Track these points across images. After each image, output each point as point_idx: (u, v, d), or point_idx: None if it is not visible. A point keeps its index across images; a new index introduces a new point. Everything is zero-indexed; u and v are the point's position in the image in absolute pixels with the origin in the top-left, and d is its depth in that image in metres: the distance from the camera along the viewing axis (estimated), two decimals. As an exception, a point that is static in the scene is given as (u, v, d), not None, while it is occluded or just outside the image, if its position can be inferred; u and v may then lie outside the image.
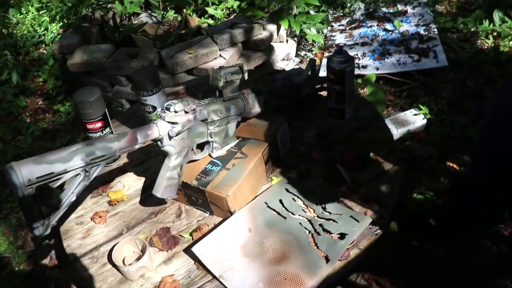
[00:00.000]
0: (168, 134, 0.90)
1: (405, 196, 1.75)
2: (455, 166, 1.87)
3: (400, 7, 2.99)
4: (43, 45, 3.13)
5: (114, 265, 0.95)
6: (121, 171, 1.20)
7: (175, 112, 0.91)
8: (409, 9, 2.96)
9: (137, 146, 0.88)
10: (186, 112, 0.93)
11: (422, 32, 2.67)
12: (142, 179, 1.16)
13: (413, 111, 2.08)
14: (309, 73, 1.25)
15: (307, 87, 1.24)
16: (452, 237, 1.55)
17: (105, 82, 2.37)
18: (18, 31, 3.23)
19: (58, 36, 2.99)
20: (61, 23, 3.09)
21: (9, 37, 3.20)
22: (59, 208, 0.82)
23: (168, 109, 0.91)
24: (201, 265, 0.91)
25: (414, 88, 2.30)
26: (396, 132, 1.99)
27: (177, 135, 0.92)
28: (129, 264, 0.92)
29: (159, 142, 0.92)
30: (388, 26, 2.80)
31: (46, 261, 1.85)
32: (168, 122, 0.90)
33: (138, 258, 0.93)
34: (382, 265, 1.51)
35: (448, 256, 1.51)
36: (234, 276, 0.88)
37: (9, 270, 1.85)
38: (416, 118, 2.04)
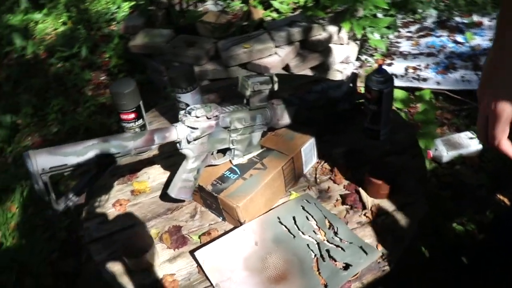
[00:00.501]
0: (187, 138, 0.91)
1: (444, 224, 1.66)
2: (506, 200, 1.75)
3: (475, 17, 2.81)
4: (114, 23, 3.25)
5: (123, 255, 0.98)
6: (150, 162, 1.23)
7: (196, 117, 0.91)
8: (485, 21, 2.78)
9: (154, 147, 0.90)
10: (208, 118, 0.93)
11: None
12: (167, 173, 1.18)
13: (469, 134, 1.96)
14: (351, 84, 1.21)
15: (345, 102, 1.20)
16: (485, 277, 1.46)
17: (162, 66, 2.43)
18: (94, 7, 3.38)
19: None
20: (132, 3, 3.19)
21: (85, 12, 3.35)
22: (69, 197, 0.85)
23: (189, 113, 0.91)
24: (202, 270, 0.92)
25: (474, 109, 2.16)
26: (446, 154, 1.89)
27: (195, 140, 0.92)
28: (136, 257, 0.95)
29: (177, 144, 0.93)
30: (459, 38, 2.65)
31: (83, 231, 1.95)
32: (188, 126, 0.91)
33: (145, 252, 0.96)
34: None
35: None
36: (231, 287, 0.88)
37: (51, 233, 1.97)
38: (470, 142, 1.93)
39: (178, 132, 0.90)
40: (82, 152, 0.81)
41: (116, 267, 0.98)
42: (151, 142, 0.88)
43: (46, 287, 1.75)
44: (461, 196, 1.77)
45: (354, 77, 1.21)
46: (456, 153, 1.90)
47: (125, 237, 0.99)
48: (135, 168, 1.22)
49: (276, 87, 1.01)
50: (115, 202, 1.13)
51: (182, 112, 0.93)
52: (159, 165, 1.22)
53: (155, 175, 1.19)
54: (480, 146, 1.92)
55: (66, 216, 1.97)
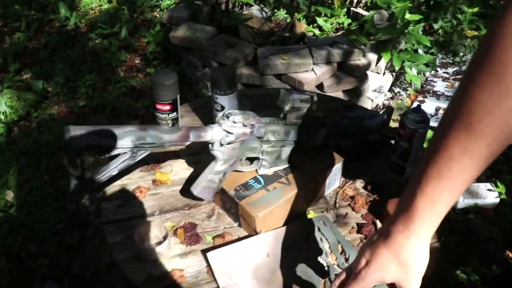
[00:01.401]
0: (220, 141, 0.93)
1: (448, 270, 1.66)
2: (514, 258, 1.74)
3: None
4: (158, 9, 3.30)
5: (135, 242, 1.00)
6: (175, 155, 1.25)
7: (234, 122, 0.93)
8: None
9: (187, 143, 0.92)
10: (244, 125, 0.94)
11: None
12: (191, 170, 1.20)
13: (488, 185, 1.95)
14: (384, 118, 1.22)
15: (377, 133, 1.21)
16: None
17: (198, 61, 2.46)
18: (141, -9, 3.44)
19: (173, 5, 3.15)
20: (179, -6, 3.24)
21: (131, -6, 3.42)
22: (99, 177, 0.87)
23: (227, 117, 0.93)
24: (211, 271, 0.94)
25: (498, 162, 2.15)
26: (462, 201, 1.88)
27: (228, 144, 0.94)
28: (148, 246, 0.96)
29: (210, 145, 0.95)
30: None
31: (92, 208, 1.98)
32: (224, 130, 0.93)
33: (158, 243, 0.97)
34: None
35: None
36: (237, 294, 0.90)
37: (61, 203, 2.01)
38: (489, 194, 1.92)
39: (213, 134, 0.92)
40: (119, 136, 0.83)
41: (127, 252, 1.00)
42: (186, 139, 0.90)
43: (49, 255, 1.78)
44: (470, 245, 1.76)
45: (389, 111, 1.22)
46: (472, 202, 1.89)
47: (141, 224, 1.00)
48: (159, 158, 1.24)
49: (314, 107, 1.02)
50: (135, 188, 1.15)
51: (220, 114, 0.95)
52: (183, 160, 1.23)
53: (179, 169, 1.21)
54: (497, 200, 1.91)
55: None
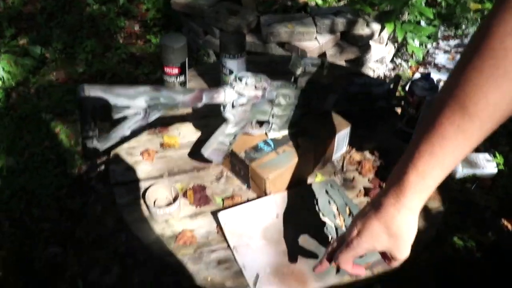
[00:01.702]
0: (233, 103, 0.93)
1: (446, 237, 1.69)
2: (509, 226, 1.77)
3: None
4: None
5: (145, 203, 1.01)
6: (182, 119, 1.25)
7: (246, 84, 0.93)
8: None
9: (200, 105, 0.92)
10: (256, 88, 0.95)
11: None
12: (198, 133, 1.21)
13: (487, 156, 1.98)
14: (391, 86, 1.22)
15: (384, 100, 1.21)
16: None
17: (200, 28, 2.43)
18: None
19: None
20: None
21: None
22: (111, 137, 0.87)
23: (240, 79, 0.93)
24: (221, 231, 0.95)
25: (498, 133, 2.17)
26: (461, 171, 1.90)
27: (240, 106, 0.94)
28: (158, 207, 0.97)
29: (221, 107, 0.95)
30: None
31: (94, 174, 1.99)
32: (236, 92, 0.93)
33: (168, 204, 0.98)
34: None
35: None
36: (247, 253, 0.91)
37: (62, 169, 2.01)
38: (487, 164, 1.94)
39: (226, 95, 0.92)
40: (133, 96, 0.83)
41: (137, 213, 1.01)
42: (198, 100, 0.90)
43: (51, 220, 1.80)
44: (467, 214, 1.80)
45: (397, 79, 1.23)
46: (471, 171, 1.92)
47: (151, 186, 1.01)
48: (167, 122, 1.24)
49: (325, 72, 1.02)
50: (143, 151, 1.15)
51: (232, 77, 0.94)
52: (191, 124, 1.24)
53: (186, 132, 1.21)
54: (495, 170, 1.94)
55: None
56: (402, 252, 0.66)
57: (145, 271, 1.61)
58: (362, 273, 0.75)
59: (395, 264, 0.70)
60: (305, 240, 0.94)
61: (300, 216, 0.98)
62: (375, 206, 0.65)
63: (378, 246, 0.67)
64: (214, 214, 0.99)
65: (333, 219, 0.98)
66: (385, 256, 0.70)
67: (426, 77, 1.09)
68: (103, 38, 2.81)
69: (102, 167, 2.01)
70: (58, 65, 2.63)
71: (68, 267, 1.64)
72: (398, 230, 0.64)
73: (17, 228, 1.77)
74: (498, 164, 1.95)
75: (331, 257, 0.73)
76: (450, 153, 0.57)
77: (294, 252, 0.92)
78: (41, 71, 2.59)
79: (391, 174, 0.64)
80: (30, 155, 2.07)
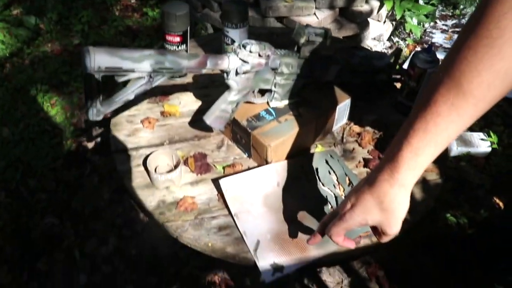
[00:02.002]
0: (236, 70, 0.93)
1: (439, 213, 1.72)
2: (501, 204, 1.80)
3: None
4: None
5: (146, 170, 1.01)
6: (183, 88, 1.25)
7: (250, 52, 0.93)
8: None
9: (204, 71, 0.91)
10: (260, 56, 0.94)
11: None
12: (199, 103, 1.21)
13: (481, 135, 2.00)
14: (391, 60, 1.22)
15: (384, 73, 1.22)
16: (467, 272, 1.53)
17: (198, 1, 2.41)
18: None
19: None
20: None
21: None
22: (115, 101, 0.87)
23: (244, 46, 0.93)
24: (222, 198, 0.96)
25: (492, 113, 2.19)
26: (455, 149, 1.93)
27: (244, 73, 0.94)
28: (160, 173, 0.98)
29: (225, 74, 0.95)
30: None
31: (91, 145, 1.98)
32: (240, 59, 0.93)
33: (170, 171, 0.99)
34: (391, 268, 1.52)
35: (456, 286, 1.49)
36: (248, 219, 0.93)
37: (58, 140, 2.00)
38: (481, 143, 1.97)
39: (230, 62, 0.92)
40: (139, 59, 0.83)
41: (138, 180, 1.01)
42: (203, 66, 0.90)
43: (48, 191, 1.80)
44: (460, 191, 1.83)
45: (398, 52, 1.23)
46: (465, 150, 1.94)
47: (152, 152, 1.01)
48: (167, 91, 1.24)
49: (328, 42, 1.02)
50: (144, 119, 1.15)
51: (236, 44, 0.94)
52: (191, 93, 1.24)
53: (187, 101, 1.21)
54: (489, 149, 1.96)
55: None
56: (393, 227, 0.68)
57: (142, 242, 1.62)
58: (352, 246, 0.77)
59: (385, 239, 0.71)
60: (305, 210, 0.95)
61: (301, 185, 0.99)
62: (369, 181, 0.67)
63: (370, 220, 0.68)
64: (215, 181, 1.00)
65: (333, 188, 0.99)
66: (376, 231, 0.72)
67: (428, 49, 1.09)
68: (99, 10, 2.77)
69: (99, 139, 2.00)
70: (53, 36, 2.59)
71: (64, 237, 1.65)
72: (390, 204, 0.65)
73: (13, 198, 1.77)
74: (492, 143, 1.97)
75: (324, 229, 0.75)
76: (444, 131, 0.58)
77: (294, 227, 0.93)
78: (35, 42, 2.56)
79: (386, 151, 0.66)
80: (26, 126, 2.06)
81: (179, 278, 1.48)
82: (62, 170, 1.89)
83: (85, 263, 1.58)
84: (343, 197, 0.98)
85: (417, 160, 0.61)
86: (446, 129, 0.58)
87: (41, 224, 1.69)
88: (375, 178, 0.66)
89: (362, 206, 0.67)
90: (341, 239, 0.73)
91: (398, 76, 1.26)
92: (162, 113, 1.17)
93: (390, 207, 0.65)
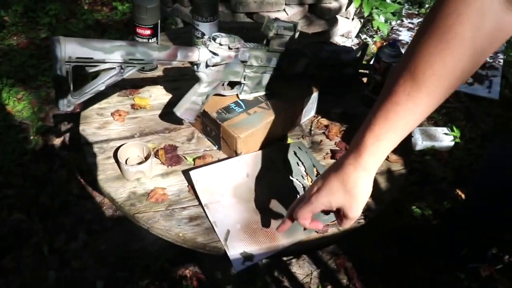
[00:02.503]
0: (206, 62, 0.94)
1: (405, 206, 1.77)
2: (463, 196, 1.87)
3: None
4: None
5: (117, 162, 1.02)
6: (153, 81, 1.26)
7: (220, 44, 0.94)
8: (484, 30, 2.87)
9: (174, 63, 0.92)
10: (229, 48, 0.96)
11: (487, 58, 2.59)
12: (169, 96, 1.21)
13: (445, 129, 2.07)
14: (358, 55, 1.26)
15: (352, 68, 1.25)
16: (430, 261, 1.58)
17: (169, -3, 2.40)
18: None
19: None
20: None
21: None
22: (86, 92, 0.87)
23: (214, 39, 0.94)
24: (193, 189, 0.97)
25: (455, 109, 2.27)
26: (420, 143, 1.99)
27: (214, 66, 0.96)
28: (131, 165, 0.98)
29: (195, 66, 0.96)
30: (456, 41, 2.73)
31: (58, 141, 1.95)
32: (210, 51, 0.94)
33: (140, 163, 0.99)
34: (359, 259, 1.56)
35: (421, 276, 1.54)
36: (218, 209, 0.94)
37: (25, 135, 1.96)
38: (445, 137, 2.03)
39: (200, 54, 0.93)
40: (109, 50, 0.83)
41: (108, 172, 1.02)
42: (173, 57, 0.91)
43: (15, 186, 1.76)
44: (425, 184, 1.89)
45: (364, 47, 1.26)
46: (430, 144, 2.00)
47: (123, 145, 1.02)
48: (138, 84, 1.24)
49: (297, 35, 1.04)
50: (114, 111, 1.15)
51: (206, 37, 0.95)
52: (162, 87, 1.24)
53: (157, 94, 1.22)
54: (452, 143, 2.03)
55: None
56: (354, 210, 0.72)
57: (112, 237, 1.61)
58: (320, 227, 0.81)
59: (346, 224, 0.75)
60: (274, 200, 0.97)
61: (270, 175, 1.02)
62: (335, 166, 0.72)
63: (334, 202, 0.72)
64: (185, 173, 1.01)
65: (301, 179, 1.02)
66: (338, 215, 0.76)
67: (392, 44, 1.13)
68: (67, 3, 2.73)
69: (67, 134, 1.97)
70: (19, 29, 2.53)
71: (33, 233, 1.62)
72: (353, 188, 0.70)
73: (-22, 194, 1.73)
74: (455, 138, 2.04)
75: (292, 214, 0.79)
76: (402, 118, 0.64)
77: (266, 216, 0.95)
78: (0, 35, 2.49)
79: (352, 140, 0.71)
80: (-10, 122, 2.01)
81: (150, 273, 1.49)
82: (29, 165, 1.86)
83: (54, 259, 1.56)
84: (311, 187, 1.01)
85: (379, 145, 0.66)
86: (404, 117, 0.64)
87: (8, 220, 1.66)
88: (340, 163, 0.71)
89: (327, 189, 0.71)
90: (308, 222, 0.77)
91: (365, 71, 1.30)
92: (133, 106, 1.17)
93: (353, 190, 0.69)
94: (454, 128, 2.06)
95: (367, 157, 0.67)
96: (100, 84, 0.87)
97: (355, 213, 0.72)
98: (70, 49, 0.79)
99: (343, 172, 0.70)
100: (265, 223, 0.94)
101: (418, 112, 0.64)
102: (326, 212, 0.95)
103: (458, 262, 1.55)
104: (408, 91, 0.62)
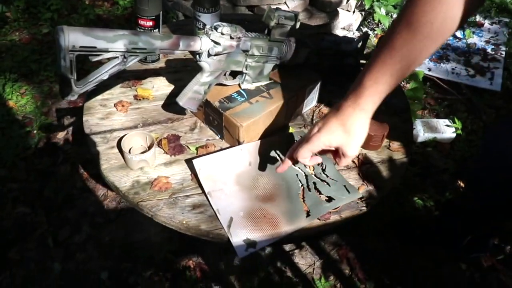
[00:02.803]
0: (208, 51, 0.95)
1: (406, 197, 1.78)
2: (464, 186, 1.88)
3: (478, 18, 2.90)
4: None
5: (120, 151, 1.03)
6: (155, 73, 1.26)
7: (222, 34, 0.95)
8: (486, 23, 2.87)
9: (177, 52, 0.93)
10: (231, 38, 0.97)
11: (489, 50, 2.60)
12: (172, 87, 1.22)
13: (446, 121, 2.07)
14: (359, 45, 1.26)
15: (352, 58, 1.26)
16: (432, 251, 1.59)
17: (170, -9, 2.41)
18: None
19: None
20: None
21: None
22: (90, 81, 0.88)
23: (216, 28, 0.95)
24: (196, 178, 0.98)
25: (457, 101, 2.28)
26: (422, 135, 1.99)
27: (216, 55, 0.96)
28: (134, 154, 0.99)
29: (197, 56, 0.97)
30: (458, 33, 2.73)
31: (62, 135, 1.97)
32: (212, 40, 0.95)
33: (143, 152, 1.00)
34: (361, 250, 1.57)
35: (423, 266, 1.55)
36: (221, 197, 0.95)
37: (28, 130, 1.98)
38: (446, 129, 2.04)
39: (202, 43, 0.93)
40: (112, 39, 0.84)
41: (112, 161, 1.02)
42: (175, 47, 0.91)
43: (19, 180, 1.78)
44: (427, 176, 1.89)
45: (365, 37, 1.27)
46: (432, 136, 2.01)
47: (126, 134, 1.03)
48: (140, 75, 1.25)
49: (298, 25, 1.05)
50: (117, 102, 1.16)
51: (208, 26, 0.96)
52: (164, 78, 1.25)
53: (160, 85, 1.23)
54: (453, 135, 2.03)
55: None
56: (352, 149, 0.78)
57: (116, 229, 1.63)
58: (319, 160, 0.87)
59: (343, 162, 0.81)
60: (276, 188, 0.98)
61: (272, 164, 1.02)
62: (335, 108, 0.78)
63: (334, 141, 0.78)
64: (189, 162, 1.02)
65: (303, 167, 1.03)
66: (336, 155, 0.82)
67: (393, 34, 1.14)
68: (69, -1, 2.74)
69: (71, 127, 1.98)
70: (21, 25, 2.54)
71: (37, 226, 1.64)
72: (352, 127, 0.76)
73: (-18, 188, 1.74)
74: (456, 129, 2.05)
75: (292, 155, 0.84)
76: (398, 62, 0.71)
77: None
78: (2, 31, 2.50)
79: (351, 86, 0.78)
80: (-6, 117, 2.02)
81: (153, 263, 1.50)
82: (33, 160, 1.87)
83: (59, 252, 1.57)
84: (313, 175, 1.02)
85: (377, 87, 0.73)
86: (400, 61, 0.71)
87: (12, 214, 1.67)
88: (340, 105, 0.78)
89: (327, 128, 0.78)
90: (308, 159, 0.83)
91: (366, 61, 1.30)
92: (135, 97, 1.18)
93: (351, 129, 0.76)
94: (456, 120, 2.06)
95: (365, 98, 0.74)
96: (103, 73, 0.88)
97: (352, 152, 0.78)
98: (74, 38, 0.80)
99: (342, 113, 0.76)
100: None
101: (412, 58, 0.71)
102: (328, 200, 0.96)
103: (460, 252, 1.56)
104: (404, 37, 0.69)
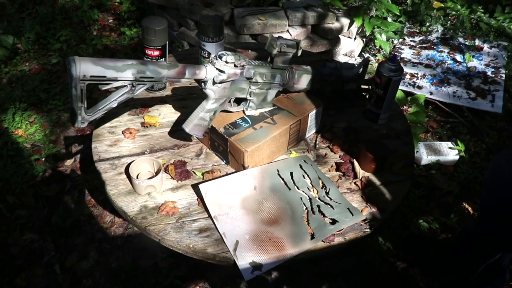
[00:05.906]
0: (213, 79, 0.99)
1: (412, 219, 1.79)
2: (470, 209, 1.88)
3: (478, 42, 2.95)
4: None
5: (128, 177, 1.05)
6: (162, 101, 1.30)
7: (226, 62, 0.99)
8: (485, 47, 2.92)
9: (183, 80, 0.97)
10: (235, 66, 1.00)
11: (489, 73, 2.64)
12: (178, 114, 1.26)
13: (449, 144, 2.09)
14: (360, 71, 1.30)
15: (353, 83, 1.29)
16: (444, 279, 1.58)
17: (174, 20, 2.47)
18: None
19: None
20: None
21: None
22: (99, 109, 0.91)
23: (220, 57, 0.99)
24: (202, 202, 1.00)
25: (459, 124, 2.30)
26: (426, 158, 2.01)
27: (220, 83, 1.00)
28: (142, 180, 1.02)
29: (202, 84, 1.00)
30: (458, 57, 2.78)
31: (70, 162, 2.00)
32: (217, 68, 0.98)
33: (151, 178, 1.03)
34: (366, 273, 1.57)
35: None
36: (227, 221, 0.97)
37: (37, 157, 2.01)
38: (450, 152, 2.06)
39: (207, 72, 0.97)
40: (121, 68, 0.87)
41: (120, 187, 1.05)
42: (182, 75, 0.95)
43: (27, 207, 1.80)
44: (431, 198, 1.90)
45: (366, 62, 1.30)
46: (435, 158, 2.03)
47: (134, 160, 1.05)
48: (147, 103, 1.28)
49: (299, 53, 1.09)
50: (125, 130, 1.19)
51: (213, 55, 1.00)
52: (170, 105, 1.28)
53: (166, 113, 1.26)
54: (457, 157, 2.05)
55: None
56: None
57: (123, 255, 1.64)
58: None
59: None
60: (281, 211, 1.00)
61: (277, 188, 1.04)
62: None
63: None
64: (195, 187, 1.04)
65: (307, 191, 1.05)
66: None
67: (392, 59, 1.17)
68: (77, 30, 2.81)
69: (78, 155, 2.02)
70: (31, 56, 2.61)
71: (45, 252, 1.65)
72: None
73: (-8, 215, 1.77)
74: (459, 152, 2.06)
75: None
76: None
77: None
78: (13, 61, 2.57)
79: None
80: (4, 144, 2.06)
81: (160, 289, 1.51)
82: (41, 187, 1.90)
83: (66, 277, 1.58)
84: (317, 198, 1.03)
85: None
86: None
87: (20, 240, 1.69)
88: None
89: None
90: None
91: (367, 86, 1.33)
92: (143, 124, 1.21)
93: None
94: (459, 142, 2.08)
95: None
96: (112, 101, 0.91)
97: None
98: (85, 67, 0.84)
99: None
100: (273, 231, 0.96)
101: None
102: (332, 223, 0.97)
103: (472, 283, 1.52)
104: None
